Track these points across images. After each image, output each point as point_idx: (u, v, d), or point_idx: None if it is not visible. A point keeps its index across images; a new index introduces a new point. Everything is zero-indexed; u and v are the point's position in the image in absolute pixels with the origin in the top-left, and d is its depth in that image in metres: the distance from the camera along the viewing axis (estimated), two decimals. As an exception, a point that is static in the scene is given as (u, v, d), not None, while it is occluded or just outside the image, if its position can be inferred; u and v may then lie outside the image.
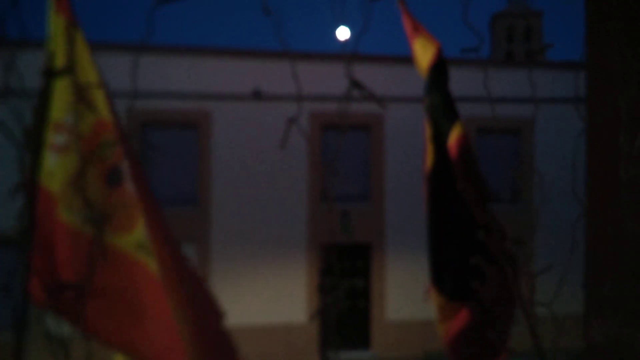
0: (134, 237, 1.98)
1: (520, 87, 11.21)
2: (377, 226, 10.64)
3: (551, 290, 10.80)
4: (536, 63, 11.65)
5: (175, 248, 2.22)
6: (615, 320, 1.22)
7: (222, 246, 10.09)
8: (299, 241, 10.36)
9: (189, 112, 10.10)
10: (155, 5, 1.55)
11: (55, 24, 2.04)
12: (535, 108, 11.44)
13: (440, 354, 10.21)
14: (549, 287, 10.85)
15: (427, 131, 2.39)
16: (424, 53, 2.42)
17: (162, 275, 1.97)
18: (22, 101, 1.98)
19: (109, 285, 1.95)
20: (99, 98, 2.10)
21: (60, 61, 2.01)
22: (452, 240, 2.32)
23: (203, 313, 2.23)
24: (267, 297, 10.19)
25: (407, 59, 10.60)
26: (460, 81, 10.86)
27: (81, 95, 2.06)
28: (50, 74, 1.90)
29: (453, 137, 2.19)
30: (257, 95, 10.25)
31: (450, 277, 2.32)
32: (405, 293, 10.64)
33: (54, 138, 2.00)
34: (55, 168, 1.99)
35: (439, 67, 2.35)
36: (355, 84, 1.52)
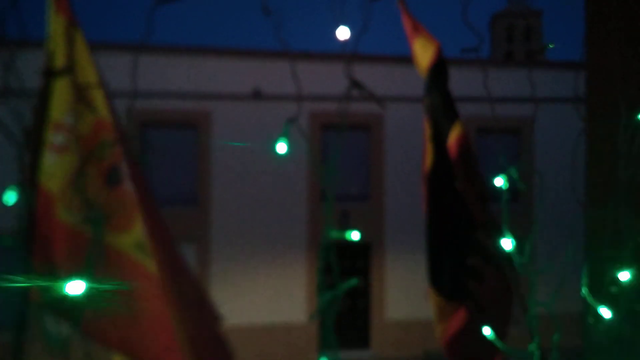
0: (132, 237, 1.99)
1: (520, 87, 11.22)
2: (377, 226, 10.64)
3: (551, 290, 10.80)
4: (536, 63, 11.65)
5: (173, 249, 2.22)
6: (615, 321, 1.22)
7: (222, 246, 10.09)
8: (299, 241, 10.36)
9: (189, 112, 10.11)
10: (155, 5, 1.55)
11: (55, 24, 2.04)
12: (535, 108, 11.44)
13: (440, 354, 10.22)
14: (548, 287, 10.85)
15: (427, 131, 2.39)
16: (423, 53, 2.41)
17: (160, 275, 1.97)
18: (22, 101, 1.99)
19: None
20: (98, 98, 2.10)
21: (59, 61, 2.01)
22: (452, 240, 2.32)
23: (199, 315, 2.23)
24: (267, 297, 10.20)
25: (407, 59, 10.61)
26: (460, 81, 10.88)
27: (81, 95, 2.06)
28: (49, 73, 1.90)
29: (453, 137, 2.19)
30: (257, 95, 10.25)
31: (449, 277, 2.32)
32: (405, 293, 10.65)
33: (54, 138, 2.00)
34: (54, 168, 2.00)
35: (439, 67, 2.34)
36: (355, 83, 1.52)
